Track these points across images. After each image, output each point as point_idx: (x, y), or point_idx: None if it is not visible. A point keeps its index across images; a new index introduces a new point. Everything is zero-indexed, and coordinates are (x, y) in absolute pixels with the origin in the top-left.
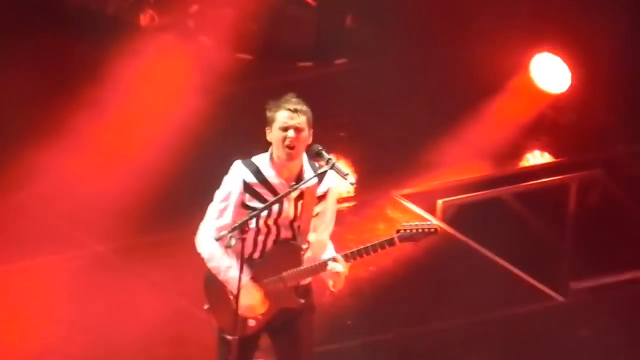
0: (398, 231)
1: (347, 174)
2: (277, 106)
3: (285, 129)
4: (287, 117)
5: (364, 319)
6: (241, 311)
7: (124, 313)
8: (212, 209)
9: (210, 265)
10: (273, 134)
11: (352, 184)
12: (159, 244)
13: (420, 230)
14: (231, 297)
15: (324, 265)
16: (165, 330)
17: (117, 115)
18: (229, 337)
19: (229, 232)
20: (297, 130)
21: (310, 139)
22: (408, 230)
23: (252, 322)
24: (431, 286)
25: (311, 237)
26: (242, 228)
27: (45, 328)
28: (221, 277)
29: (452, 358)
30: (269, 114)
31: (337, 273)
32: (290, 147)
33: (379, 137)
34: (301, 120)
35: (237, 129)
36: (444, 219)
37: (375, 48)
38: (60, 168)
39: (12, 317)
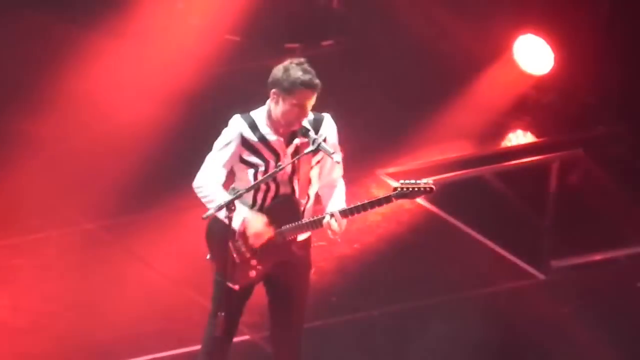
0: (395, 189)
1: (333, 153)
2: (297, 79)
3: (301, 107)
4: (306, 98)
5: (348, 295)
6: (250, 241)
7: (113, 290)
8: (209, 158)
9: (203, 198)
10: (284, 105)
11: (337, 162)
12: (148, 220)
13: (416, 189)
14: (230, 245)
15: (321, 220)
16: (154, 306)
17: (107, 92)
18: (231, 286)
19: (217, 208)
20: (310, 107)
21: None
22: (405, 188)
23: (252, 273)
24: (414, 264)
25: (312, 190)
26: (228, 207)
27: (35, 305)
28: (214, 203)
29: (435, 335)
30: (286, 82)
31: (333, 231)
32: (299, 123)
33: (364, 117)
34: (315, 97)
35: (224, 110)
36: (427, 198)
37: (361, 30)
38: (50, 144)
39: (2, 294)
